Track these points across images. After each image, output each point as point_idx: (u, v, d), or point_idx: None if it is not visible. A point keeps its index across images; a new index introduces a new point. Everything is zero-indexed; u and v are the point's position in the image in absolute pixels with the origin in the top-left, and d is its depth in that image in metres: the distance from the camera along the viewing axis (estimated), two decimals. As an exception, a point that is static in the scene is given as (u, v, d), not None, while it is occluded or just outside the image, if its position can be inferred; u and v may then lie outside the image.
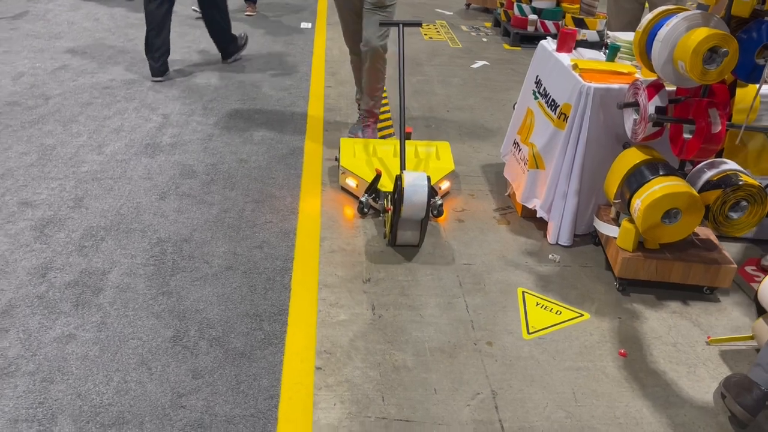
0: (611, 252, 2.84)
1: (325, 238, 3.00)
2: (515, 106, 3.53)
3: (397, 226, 2.83)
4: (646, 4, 4.15)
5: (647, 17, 2.58)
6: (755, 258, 3.09)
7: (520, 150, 3.35)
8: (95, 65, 4.94)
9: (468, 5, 7.71)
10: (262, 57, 5.44)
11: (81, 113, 4.11)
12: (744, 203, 2.49)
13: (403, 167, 3.02)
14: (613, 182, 2.81)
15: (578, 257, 3.01)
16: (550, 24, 6.00)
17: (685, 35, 2.37)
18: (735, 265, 2.69)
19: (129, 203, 3.17)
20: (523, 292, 2.76)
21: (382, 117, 4.19)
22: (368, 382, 2.23)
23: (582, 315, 2.65)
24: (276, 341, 2.38)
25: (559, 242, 3.09)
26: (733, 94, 2.67)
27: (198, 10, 6.03)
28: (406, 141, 3.52)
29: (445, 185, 3.40)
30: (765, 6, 2.35)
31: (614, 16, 4.29)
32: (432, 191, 3.07)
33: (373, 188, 3.15)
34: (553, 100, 3.07)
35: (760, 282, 2.82)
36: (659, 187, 2.56)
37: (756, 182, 2.47)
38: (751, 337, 2.49)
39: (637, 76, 2.91)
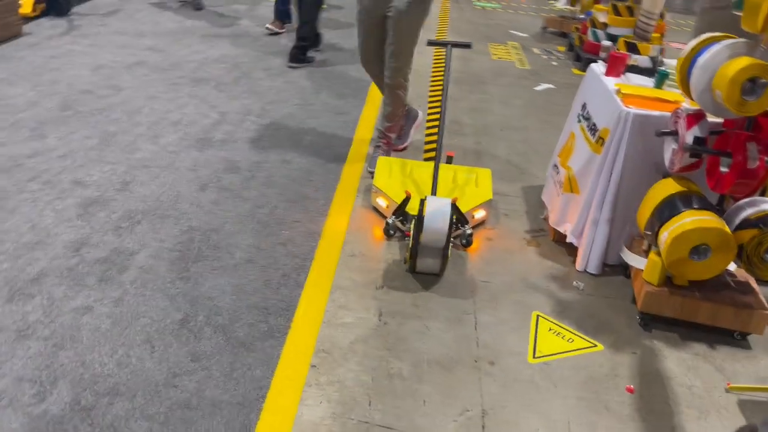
0: (637, 285, 2.72)
1: (349, 242, 3.04)
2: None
3: (418, 253, 2.74)
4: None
5: (691, 43, 2.48)
6: (801, 308, 2.88)
7: (558, 173, 3.28)
8: (168, 63, 5.21)
9: (545, 28, 7.61)
10: (328, 65, 5.56)
11: (146, 105, 4.35)
12: (781, 246, 2.34)
13: (433, 192, 2.98)
14: (645, 212, 2.70)
15: (604, 287, 2.91)
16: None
17: (725, 63, 2.26)
18: (770, 312, 2.53)
19: (170, 191, 3.32)
20: (538, 315, 2.68)
21: (428, 139, 4.19)
22: (359, 386, 2.23)
23: (595, 345, 2.55)
24: (278, 335, 2.42)
25: (587, 270, 2.99)
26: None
27: (271, 27, 6.26)
28: (448, 165, 3.48)
29: (479, 214, 3.25)
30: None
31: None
32: (462, 219, 3.01)
33: (401, 210, 3.06)
34: (594, 124, 2.99)
35: (799, 333, 2.63)
36: (689, 220, 2.44)
37: (795, 224, 2.32)
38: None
39: (684, 105, 2.79)
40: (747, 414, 2.27)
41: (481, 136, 4.40)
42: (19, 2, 5.80)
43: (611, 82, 3.01)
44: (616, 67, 3.11)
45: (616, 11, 5.80)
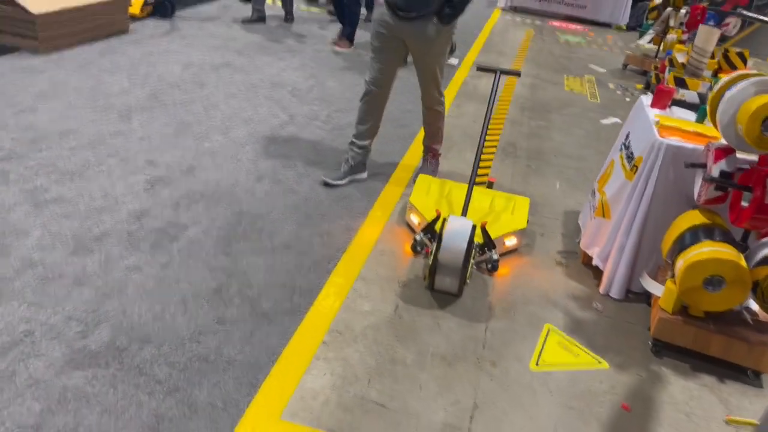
0: (654, 312, 2.76)
1: (381, 241, 3.22)
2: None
3: (436, 271, 2.76)
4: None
5: (725, 79, 2.53)
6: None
7: (594, 197, 3.35)
8: (252, 67, 5.61)
9: (626, 65, 7.58)
10: (401, 78, 5.80)
11: (223, 102, 4.72)
12: (796, 285, 2.34)
13: (463, 213, 3.01)
14: (668, 240, 2.74)
15: (624, 312, 2.95)
16: (699, 93, 5.76)
17: (750, 99, 2.31)
18: (784, 353, 2.51)
19: (229, 178, 3.62)
20: (550, 329, 2.77)
21: (483, 164, 4.29)
22: (362, 365, 2.40)
23: (600, 363, 2.61)
24: (298, 313, 2.63)
25: (609, 294, 3.04)
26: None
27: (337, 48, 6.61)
28: (487, 190, 3.56)
29: (510, 241, 3.24)
30: None
31: None
32: (489, 244, 3.03)
33: (430, 228, 3.07)
34: (632, 153, 3.06)
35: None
36: (706, 250, 2.48)
37: (812, 264, 2.31)
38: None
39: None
40: (741, 446, 2.27)
41: (533, 160, 4.50)
42: (130, 3, 6.41)
43: (654, 114, 3.08)
44: (661, 99, 3.17)
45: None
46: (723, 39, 5.62)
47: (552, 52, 7.92)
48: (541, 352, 2.62)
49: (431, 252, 2.81)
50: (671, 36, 6.43)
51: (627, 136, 3.26)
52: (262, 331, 2.50)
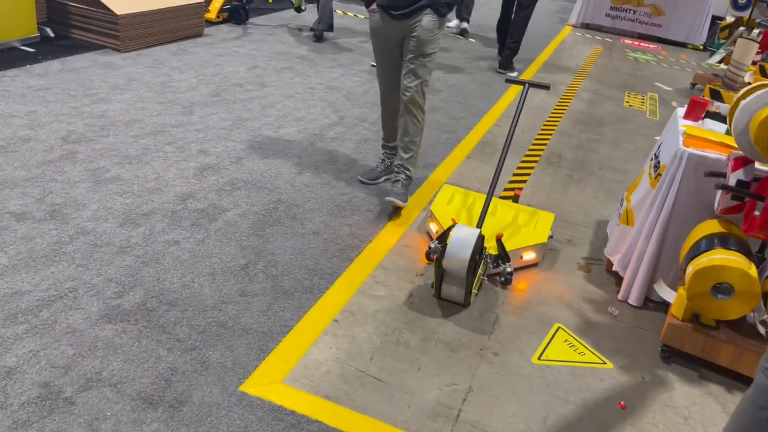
0: (667, 318, 2.76)
1: (406, 235, 3.36)
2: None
3: (443, 279, 2.77)
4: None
5: (745, 89, 2.54)
6: None
7: (621, 205, 3.37)
8: (313, 71, 5.88)
9: (693, 85, 7.41)
10: (456, 87, 5.94)
11: (280, 102, 4.99)
12: (804, 296, 2.32)
13: (479, 224, 2.97)
14: (685, 248, 2.75)
15: (640, 319, 2.96)
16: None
17: (763, 108, 2.32)
18: (795, 367, 2.46)
19: (273, 170, 3.85)
20: (559, 327, 2.82)
21: (513, 178, 4.24)
22: (368, 343, 2.54)
23: (605, 363, 2.64)
24: (316, 292, 2.80)
25: (628, 300, 3.06)
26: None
27: None
28: (512, 204, 3.52)
29: (528, 255, 3.18)
30: None
31: None
32: (504, 256, 3.00)
33: (445, 237, 2.93)
34: (659, 162, 3.08)
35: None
36: (716, 257, 2.49)
37: (821, 276, 2.29)
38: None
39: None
40: (734, 453, 2.25)
41: (576, 171, 4.52)
42: (207, 9, 6.85)
43: (683, 124, 3.08)
44: (695, 111, 3.17)
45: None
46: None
47: (617, 69, 7.84)
48: (545, 348, 2.68)
49: (436, 259, 2.78)
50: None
51: (659, 147, 3.28)
52: (279, 305, 2.68)
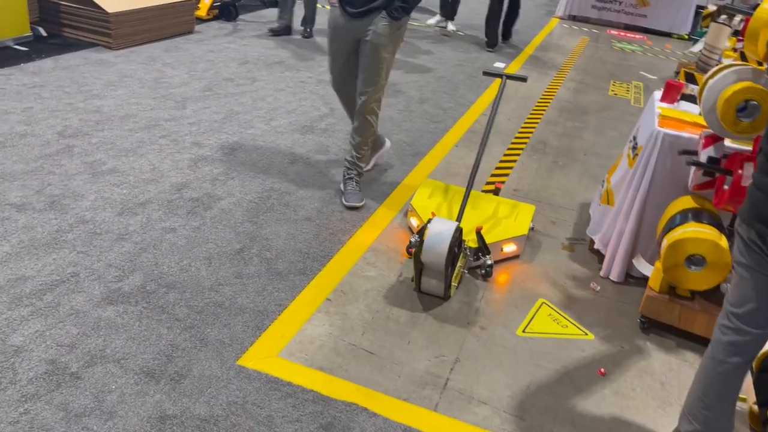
0: (645, 291, 2.89)
1: (398, 218, 3.47)
2: None
3: (422, 273, 2.79)
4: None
5: (713, 70, 2.66)
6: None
7: (602, 187, 3.49)
8: (304, 65, 5.98)
9: (677, 73, 7.54)
10: (444, 78, 6.06)
11: (271, 95, 5.10)
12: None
13: (458, 218, 2.98)
14: (661, 224, 2.87)
15: (621, 294, 3.09)
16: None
17: (729, 86, 2.44)
18: (765, 333, 2.59)
19: (265, 160, 3.96)
20: (543, 302, 2.94)
21: (495, 172, 4.25)
22: (359, 319, 2.66)
23: (586, 334, 2.77)
24: (309, 273, 2.91)
25: (609, 276, 3.18)
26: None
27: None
28: (492, 197, 3.54)
29: (509, 248, 3.20)
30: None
31: None
32: (484, 249, 3.01)
33: (424, 231, 2.85)
34: (636, 143, 3.20)
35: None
36: (689, 230, 2.61)
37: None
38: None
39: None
40: (708, 413, 2.38)
41: (561, 157, 4.65)
42: (198, 6, 6.93)
43: (659, 106, 3.21)
44: (670, 94, 3.29)
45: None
46: None
47: (603, 59, 7.97)
48: (530, 322, 2.80)
49: (414, 253, 2.77)
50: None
51: (637, 129, 3.40)
52: (273, 286, 2.80)
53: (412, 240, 2.88)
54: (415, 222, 3.33)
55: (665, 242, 2.66)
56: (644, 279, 3.16)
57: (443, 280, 2.76)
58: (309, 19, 6.97)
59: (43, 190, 3.31)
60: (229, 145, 4.10)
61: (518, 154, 4.60)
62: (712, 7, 7.31)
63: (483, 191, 3.83)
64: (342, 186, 3.66)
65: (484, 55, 7.18)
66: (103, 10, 5.58)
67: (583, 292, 3.06)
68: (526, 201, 3.86)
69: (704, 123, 2.98)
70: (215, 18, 7.24)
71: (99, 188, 3.40)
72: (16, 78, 4.78)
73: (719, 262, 2.56)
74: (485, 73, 3.61)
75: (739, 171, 2.46)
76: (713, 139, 2.68)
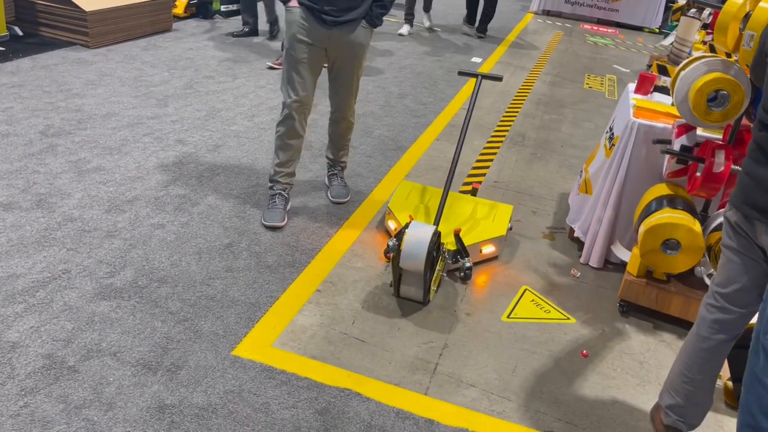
0: (623, 276, 3.00)
1: (383, 210, 3.54)
2: None
3: (401, 278, 2.75)
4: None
5: (685, 61, 2.77)
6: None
7: (581, 176, 3.60)
8: (283, 62, 6.01)
9: (650, 66, 7.71)
10: (423, 74, 6.14)
11: (252, 92, 5.13)
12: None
13: (436, 221, 2.90)
14: (638, 211, 2.98)
15: (601, 279, 3.19)
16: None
17: (700, 77, 2.55)
18: (738, 312, 2.71)
19: (250, 156, 4.00)
20: (526, 289, 3.04)
21: (472, 172, 4.23)
22: (349, 309, 2.72)
23: (568, 319, 2.87)
24: (298, 266, 2.97)
25: (589, 263, 3.29)
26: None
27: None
28: (470, 197, 3.50)
29: (488, 249, 3.17)
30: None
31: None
32: (463, 251, 2.98)
33: (402, 235, 2.78)
34: (612, 134, 3.31)
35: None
36: (664, 216, 2.72)
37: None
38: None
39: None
40: (685, 390, 2.50)
41: (539, 149, 4.76)
42: (174, 3, 6.92)
43: (633, 98, 3.32)
44: (644, 85, 3.40)
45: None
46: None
47: (577, 53, 8.12)
48: (514, 308, 2.89)
49: (392, 258, 2.73)
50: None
51: (613, 120, 3.51)
52: (264, 279, 2.85)
53: (390, 244, 2.80)
54: (392, 225, 3.27)
55: (642, 228, 2.77)
56: (622, 264, 3.27)
57: (422, 286, 2.74)
58: (274, 20, 6.89)
59: (29, 189, 3.32)
60: (213, 142, 4.13)
61: (498, 147, 4.70)
62: (682, 1, 7.50)
63: (460, 192, 3.82)
64: (327, 180, 3.71)
65: (461, 51, 7.26)
66: (80, 8, 5.56)
67: (564, 279, 3.16)
68: (507, 192, 3.96)
69: (677, 113, 3.11)
70: (192, 16, 7.23)
71: (85, 186, 3.42)
72: (-5, 78, 4.75)
73: (693, 246, 2.67)
74: (461, 73, 3.52)
75: (711, 158, 2.57)
76: (686, 129, 2.79)
